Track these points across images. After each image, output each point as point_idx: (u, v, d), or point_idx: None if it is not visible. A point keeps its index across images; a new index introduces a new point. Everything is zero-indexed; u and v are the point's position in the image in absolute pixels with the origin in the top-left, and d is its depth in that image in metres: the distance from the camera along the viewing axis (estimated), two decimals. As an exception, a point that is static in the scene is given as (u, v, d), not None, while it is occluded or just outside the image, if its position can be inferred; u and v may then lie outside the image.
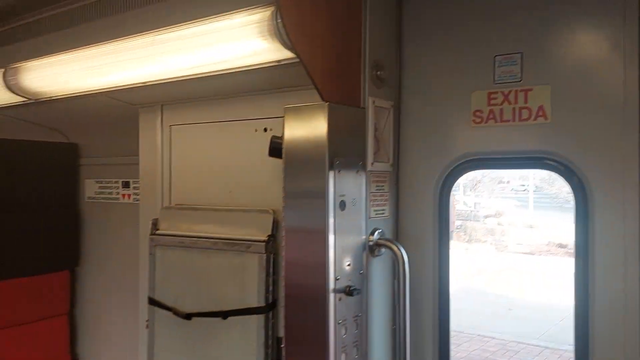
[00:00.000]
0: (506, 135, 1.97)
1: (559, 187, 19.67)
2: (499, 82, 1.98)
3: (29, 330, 3.41)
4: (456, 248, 19.41)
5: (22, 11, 3.09)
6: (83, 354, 3.64)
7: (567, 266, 12.43)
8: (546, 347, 7.61)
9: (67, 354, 3.60)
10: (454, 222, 21.79)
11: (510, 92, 1.96)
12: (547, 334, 8.33)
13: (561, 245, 19.62)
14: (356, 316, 1.92)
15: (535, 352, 7.39)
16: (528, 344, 7.74)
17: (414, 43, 2.17)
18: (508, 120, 1.96)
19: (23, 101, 3.04)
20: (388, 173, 2.17)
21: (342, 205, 1.88)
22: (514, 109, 1.96)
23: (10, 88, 2.94)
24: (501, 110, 1.98)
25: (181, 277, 2.55)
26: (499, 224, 27.85)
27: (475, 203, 34.64)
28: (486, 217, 30.39)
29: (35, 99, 2.98)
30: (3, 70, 2.91)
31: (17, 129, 3.62)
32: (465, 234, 20.91)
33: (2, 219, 3.28)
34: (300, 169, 1.89)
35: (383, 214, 2.14)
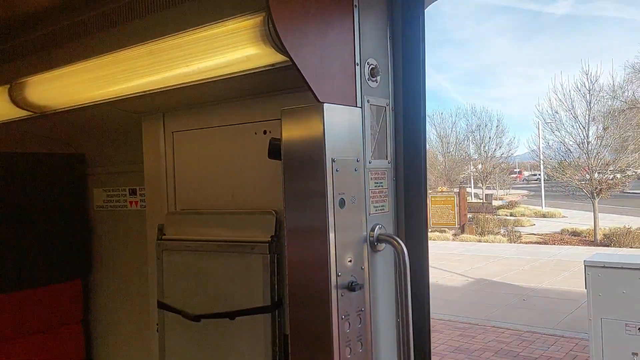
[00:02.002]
0: None
1: (570, 175, 19.51)
2: None
3: (44, 339, 3.49)
4: (469, 240, 19.34)
5: (23, 28, 3.16)
6: (98, 359, 3.71)
7: (581, 254, 12.35)
8: (562, 336, 7.58)
9: None
10: (466, 215, 21.74)
11: None
12: (563, 322, 8.31)
13: (575, 234, 19.50)
14: (359, 311, 1.95)
15: (550, 341, 7.37)
16: (543, 334, 7.72)
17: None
18: None
19: (29, 115, 3.11)
20: (387, 169, 2.21)
21: (342, 203, 1.91)
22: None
23: (17, 103, 3.01)
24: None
25: (188, 280, 2.60)
26: (511, 214, 27.73)
27: (486, 195, 34.53)
28: (498, 208, 30.28)
29: (41, 112, 3.04)
30: (9, 86, 2.98)
31: (25, 142, 3.70)
32: (477, 226, 20.81)
33: (14, 231, 3.36)
34: (298, 169, 1.93)
35: (383, 209, 2.18)
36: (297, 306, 1.93)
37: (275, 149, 2.10)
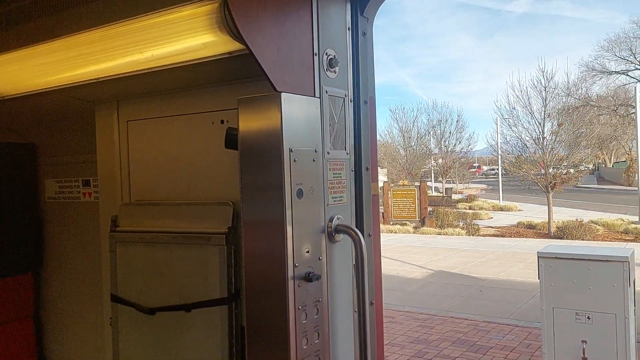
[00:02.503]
0: None
1: (526, 169, 20.09)
2: None
3: (-7, 334, 3.36)
4: (429, 233, 19.69)
5: None
6: (50, 355, 3.59)
7: (536, 246, 12.74)
8: (516, 326, 7.81)
9: (33, 356, 3.56)
10: (426, 208, 22.09)
11: None
12: (517, 312, 8.56)
13: (530, 226, 20.12)
14: (316, 301, 1.96)
15: (505, 330, 7.59)
16: (499, 324, 7.94)
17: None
18: None
19: (-25, 102, 2.97)
20: (345, 160, 2.21)
21: (300, 193, 1.90)
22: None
23: (-39, 90, 2.87)
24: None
25: (143, 272, 2.54)
26: (470, 208, 28.37)
27: (446, 188, 35.21)
28: (458, 202, 30.92)
29: (-12, 100, 2.91)
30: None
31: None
32: (437, 219, 21.20)
33: None
34: (256, 159, 1.90)
35: (341, 200, 2.18)
36: (253, 298, 1.92)
37: (232, 139, 2.07)
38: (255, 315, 1.91)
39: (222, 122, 2.42)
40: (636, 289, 4.91)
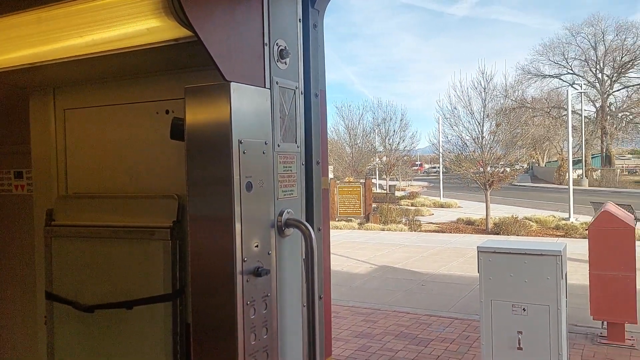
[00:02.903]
0: None
1: (466, 168, 20.76)
2: None
3: None
4: (373, 229, 20.00)
5: None
6: None
7: (475, 241, 13.18)
8: (456, 318, 8.06)
9: None
10: (371, 205, 22.43)
11: None
12: (457, 305, 8.83)
13: (469, 223, 20.83)
14: (265, 296, 1.92)
15: (446, 323, 7.81)
16: (439, 316, 8.16)
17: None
18: None
19: None
20: (296, 154, 2.18)
21: (249, 186, 1.86)
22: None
23: None
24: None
25: (81, 269, 2.42)
26: (412, 204, 29.04)
27: (390, 186, 35.90)
28: (401, 198, 31.59)
29: None
30: None
31: None
32: (381, 216, 21.56)
33: None
34: (203, 151, 1.84)
35: (292, 194, 2.15)
36: (200, 293, 1.86)
37: (178, 129, 2.00)
38: (201, 312, 1.85)
39: (167, 112, 2.33)
40: (568, 281, 5.17)
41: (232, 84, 1.79)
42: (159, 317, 2.22)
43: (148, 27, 1.90)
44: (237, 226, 1.80)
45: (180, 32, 1.86)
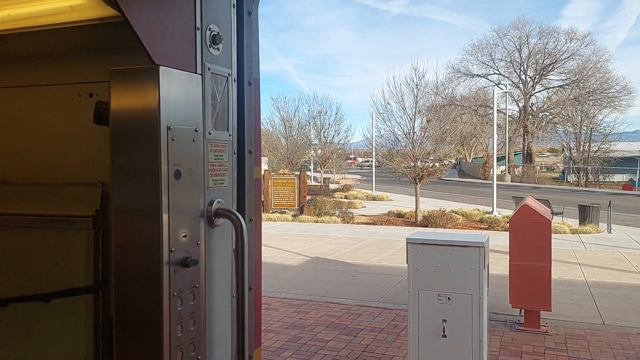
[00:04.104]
0: None
1: (397, 162, 21.27)
2: None
3: None
4: (307, 221, 20.11)
5: None
6: None
7: (404, 233, 13.55)
8: (385, 308, 8.26)
9: None
10: (305, 197, 22.52)
11: None
12: (386, 295, 9.06)
13: (399, 215, 21.41)
14: (193, 287, 1.87)
15: (375, 313, 7.99)
16: (369, 307, 8.33)
17: None
18: None
19: None
20: (228, 142, 2.14)
21: (177, 174, 1.80)
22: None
23: None
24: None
25: None
26: (345, 197, 29.46)
27: (324, 178, 36.22)
28: (334, 191, 31.96)
29: None
30: None
31: None
32: (315, 208, 21.71)
33: None
34: (129, 136, 1.76)
35: (222, 183, 2.11)
36: (124, 285, 1.78)
37: (102, 114, 1.91)
38: (125, 304, 1.78)
39: (90, 95, 2.21)
40: (490, 272, 5.42)
41: (161, 67, 1.72)
42: (79, 311, 2.12)
43: (71, 4, 1.79)
44: (165, 216, 1.74)
45: (106, 10, 1.77)
